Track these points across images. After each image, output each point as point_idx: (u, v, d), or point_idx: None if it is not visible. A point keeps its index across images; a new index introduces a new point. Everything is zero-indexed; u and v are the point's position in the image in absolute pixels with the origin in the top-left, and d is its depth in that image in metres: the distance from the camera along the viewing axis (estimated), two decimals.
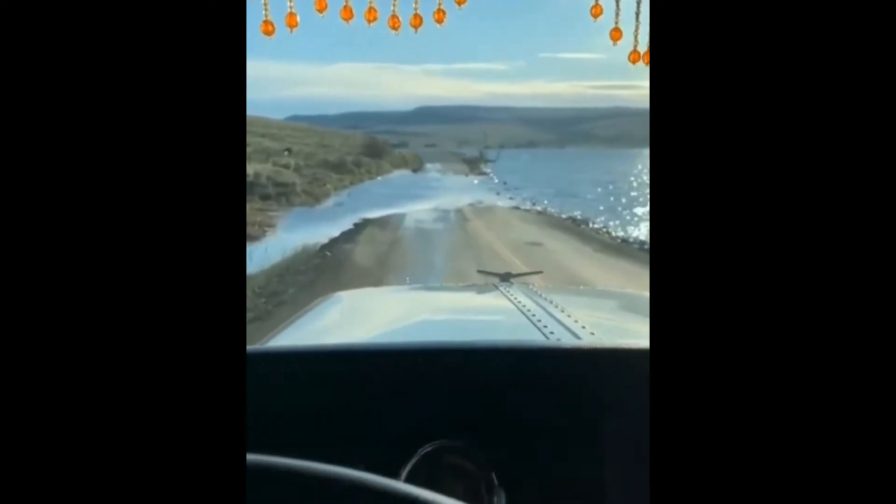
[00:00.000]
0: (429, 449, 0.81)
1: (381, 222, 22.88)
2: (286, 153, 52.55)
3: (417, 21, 0.70)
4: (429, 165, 78.28)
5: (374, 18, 0.69)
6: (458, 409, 0.85)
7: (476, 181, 51.10)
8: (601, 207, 30.43)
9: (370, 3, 0.67)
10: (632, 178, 55.00)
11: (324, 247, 17.07)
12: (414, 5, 0.66)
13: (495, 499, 0.81)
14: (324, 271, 13.27)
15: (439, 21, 0.70)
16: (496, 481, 0.80)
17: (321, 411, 0.88)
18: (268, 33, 0.71)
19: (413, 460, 0.83)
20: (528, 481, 0.83)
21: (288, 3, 0.68)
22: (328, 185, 40.36)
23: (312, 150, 59.28)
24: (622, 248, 17.22)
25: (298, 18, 0.72)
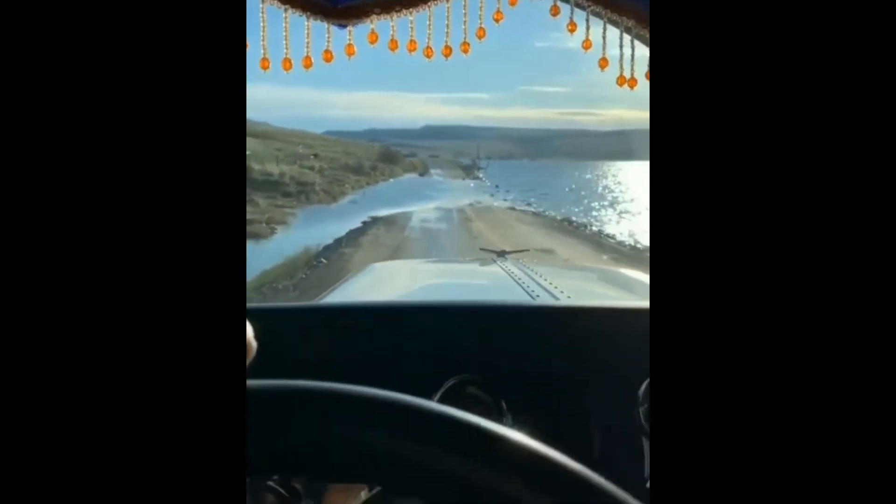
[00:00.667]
0: (453, 382, 0.80)
1: (388, 221, 18.11)
2: (313, 157, 47.98)
3: (448, 51, 0.67)
4: (433, 171, 73.75)
5: (414, 49, 0.67)
6: (463, 355, 0.83)
7: (472, 184, 46.37)
8: (576, 209, 26.38)
9: (411, 36, 0.66)
10: (591, 184, 54.35)
11: (324, 249, 12.26)
12: (445, 39, 0.66)
13: (504, 420, 0.81)
14: (307, 290, 8.47)
15: (465, 52, 0.68)
16: (505, 407, 0.80)
17: (350, 359, 0.85)
18: (268, 67, 0.66)
19: (441, 390, 0.82)
20: (525, 411, 0.82)
21: (326, 40, 0.66)
22: (346, 185, 35.43)
23: (337, 156, 54.23)
24: (629, 251, 12.67)
25: (333, 54, 0.70)
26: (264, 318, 0.83)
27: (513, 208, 24.83)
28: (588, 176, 75.00)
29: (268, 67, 0.66)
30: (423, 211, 21.69)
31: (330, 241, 13.61)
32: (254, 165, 29.21)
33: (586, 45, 0.70)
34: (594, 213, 25.70)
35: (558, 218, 21.79)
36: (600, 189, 46.31)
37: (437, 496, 0.29)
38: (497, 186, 43.57)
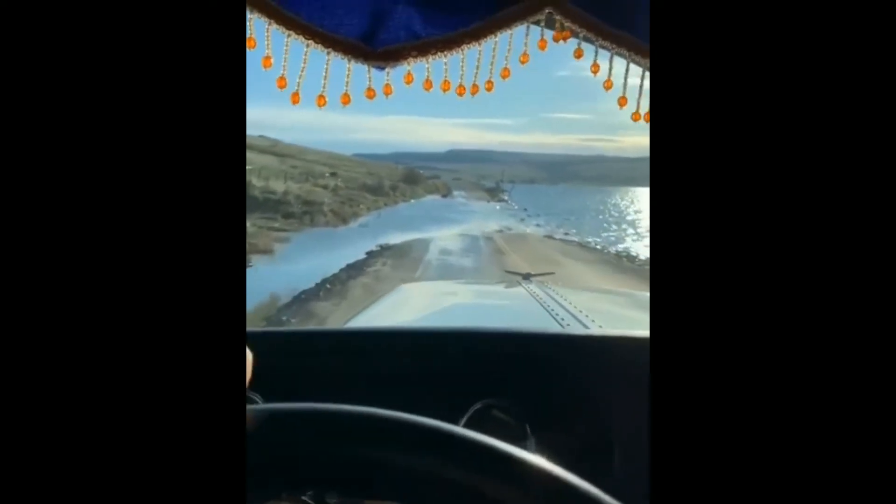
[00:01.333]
0: (479, 406, 0.80)
1: (399, 251, 13.92)
2: (329, 175, 44.32)
3: (476, 89, 0.71)
4: (456, 192, 69.69)
5: (448, 88, 0.70)
6: (489, 380, 0.82)
7: (498, 207, 42.19)
8: (613, 237, 21.99)
9: (444, 76, 0.70)
10: (611, 209, 51.95)
11: (298, 299, 8.09)
12: (474, 77, 0.70)
13: (528, 444, 0.81)
14: None
15: (489, 90, 0.72)
16: (529, 431, 0.80)
17: (378, 383, 0.82)
18: (298, 101, 0.70)
19: (467, 414, 0.82)
20: (550, 436, 0.81)
21: (367, 79, 0.70)
22: (361, 206, 31.45)
23: (358, 176, 50.54)
24: None
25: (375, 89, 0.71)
26: (291, 343, 0.88)
27: (550, 237, 20.57)
28: (614, 201, 71.75)
29: (298, 102, 0.69)
30: (443, 238, 17.62)
31: (312, 283, 9.49)
32: (255, 182, 25.33)
33: (608, 84, 0.71)
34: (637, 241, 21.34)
35: (611, 251, 17.48)
36: (632, 215, 41.95)
37: None
38: (525, 210, 39.47)
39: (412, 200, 47.02)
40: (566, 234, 22.42)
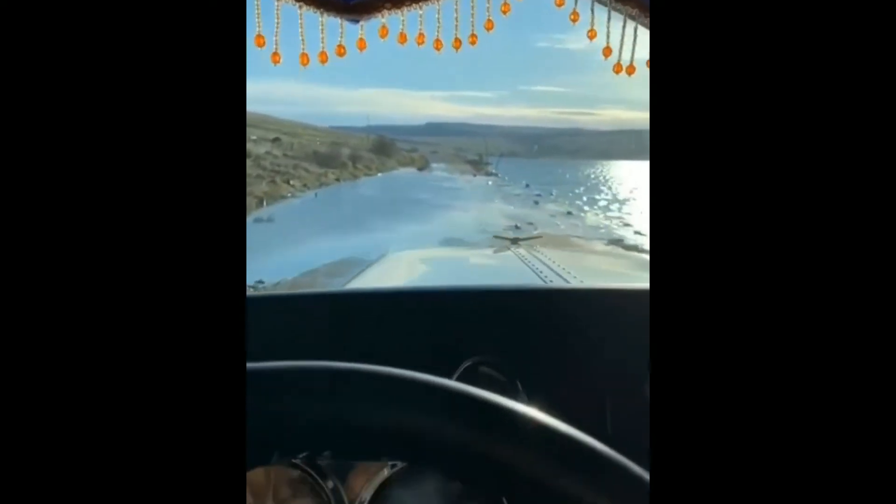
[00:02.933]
0: (469, 363, 0.79)
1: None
2: (270, 141, 33.34)
3: (458, 43, 0.68)
4: (434, 165, 58.16)
5: (423, 42, 0.67)
6: (477, 338, 0.82)
7: (489, 182, 31.28)
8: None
9: (420, 29, 0.66)
10: (610, 183, 44.68)
11: None
12: (455, 32, 0.67)
13: (520, 399, 0.74)
14: None
15: (472, 43, 0.68)
16: (520, 387, 0.79)
17: (366, 343, 0.82)
18: (279, 61, 0.66)
19: (457, 372, 0.81)
20: (541, 391, 0.80)
21: (340, 35, 0.66)
22: (294, 183, 20.31)
23: (309, 144, 39.26)
24: None
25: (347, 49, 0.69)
26: (278, 306, 0.87)
27: (614, 241, 9.82)
28: (592, 172, 63.62)
29: (279, 62, 0.66)
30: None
31: None
32: None
33: (591, 34, 0.68)
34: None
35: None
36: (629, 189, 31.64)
37: (457, 470, 0.30)
38: (527, 186, 28.80)
39: (379, 174, 36.20)
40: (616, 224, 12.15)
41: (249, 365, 0.30)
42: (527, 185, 29.37)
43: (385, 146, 58.33)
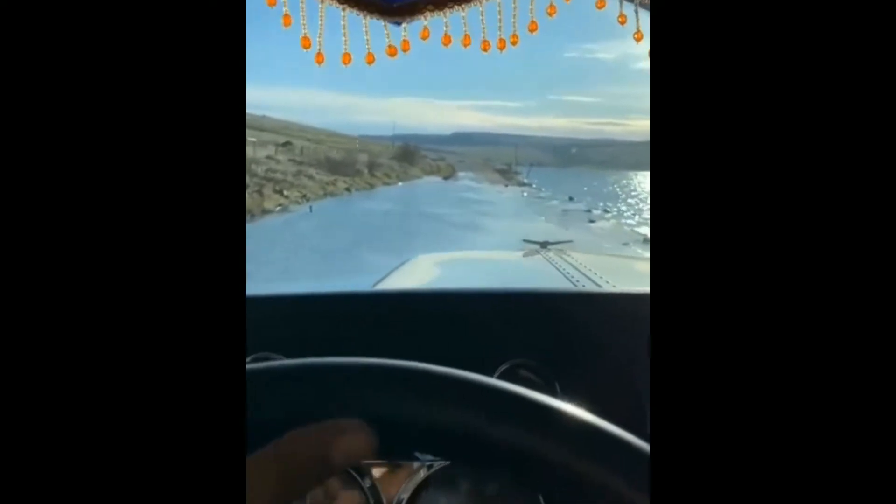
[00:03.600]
0: (506, 366, 0.78)
1: None
2: (281, 147, 29.67)
3: (502, 44, 0.67)
4: (461, 174, 53.75)
5: (469, 43, 0.68)
6: (514, 340, 0.81)
7: (524, 193, 26.98)
8: None
9: (464, 30, 0.67)
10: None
11: None
12: (498, 33, 0.67)
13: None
14: None
15: (514, 43, 0.68)
16: (558, 390, 0.79)
17: (404, 344, 0.82)
18: (322, 62, 0.67)
19: (495, 375, 0.78)
20: (579, 394, 0.78)
21: (386, 37, 0.67)
22: (292, 192, 16.31)
23: (324, 149, 35.53)
24: None
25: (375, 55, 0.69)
26: (317, 305, 0.87)
27: None
28: (629, 183, 58.71)
29: (322, 62, 0.66)
30: None
31: None
32: None
33: (637, 36, 0.66)
34: None
35: None
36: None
37: (500, 468, 0.29)
38: (571, 199, 24.50)
39: (400, 183, 32.21)
40: None
41: (292, 361, 0.30)
42: (571, 199, 25.08)
43: (409, 154, 54.57)
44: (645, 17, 0.65)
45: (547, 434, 0.28)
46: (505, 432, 0.28)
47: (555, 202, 23.11)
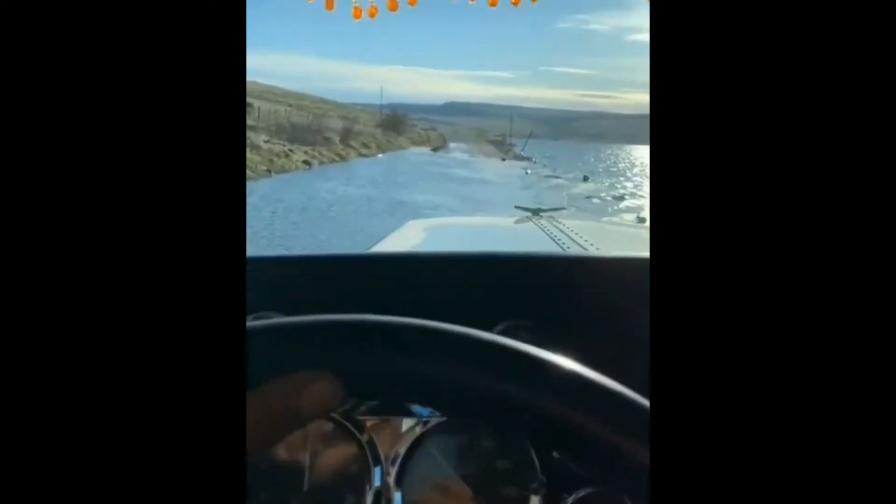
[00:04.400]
0: (501, 327, 0.77)
1: None
2: None
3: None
4: (453, 145, 48.39)
5: None
6: (508, 302, 0.81)
7: (527, 171, 21.87)
8: None
9: None
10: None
11: None
12: None
13: None
14: None
15: (492, 4, 0.66)
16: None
17: (398, 306, 0.68)
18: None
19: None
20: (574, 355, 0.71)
21: None
22: None
23: (292, 113, 30.22)
24: None
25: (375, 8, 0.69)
26: (315, 267, 0.87)
27: None
28: (632, 158, 53.87)
29: (333, 7, 0.66)
30: None
31: None
32: None
33: None
34: None
35: None
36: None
37: (495, 418, 0.30)
38: (586, 178, 19.62)
39: (380, 155, 27.12)
40: None
41: (285, 318, 0.30)
42: (586, 178, 20.13)
43: (396, 122, 49.16)
44: None
45: (540, 386, 0.28)
46: (499, 384, 0.28)
47: (561, 181, 18.21)
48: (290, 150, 17.92)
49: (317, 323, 0.29)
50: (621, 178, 25.02)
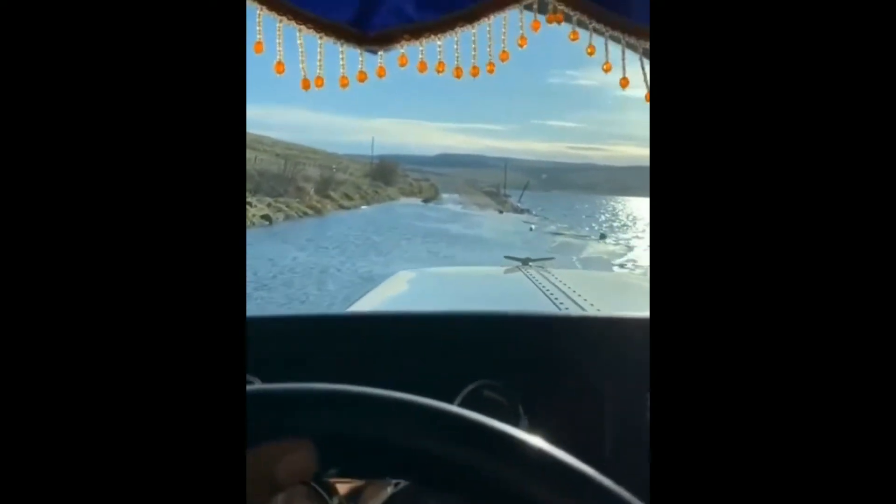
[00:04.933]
0: (472, 386, 0.80)
1: None
2: None
3: (475, 71, 0.68)
4: (445, 195, 45.64)
5: (443, 70, 0.68)
6: (482, 362, 0.83)
7: (532, 226, 18.78)
8: None
9: (439, 58, 0.67)
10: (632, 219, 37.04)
11: None
12: (472, 61, 0.68)
13: (520, 423, 0.81)
14: None
15: (490, 71, 0.68)
16: (522, 411, 0.80)
17: (372, 365, 0.75)
18: (309, 87, 0.68)
19: (461, 395, 0.81)
20: (542, 416, 0.82)
21: (360, 62, 0.67)
22: None
23: (263, 160, 27.27)
24: None
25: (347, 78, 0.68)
26: (286, 328, 0.87)
27: None
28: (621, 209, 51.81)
29: (308, 87, 0.67)
30: None
31: None
32: None
33: (606, 67, 0.68)
34: None
35: None
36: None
37: (459, 492, 0.30)
38: (604, 237, 16.67)
39: (364, 207, 24.18)
40: None
41: (259, 386, 0.31)
42: (603, 236, 17.14)
43: (386, 172, 46.58)
44: (614, 50, 0.65)
45: (502, 460, 0.28)
46: (461, 457, 0.29)
47: (571, 239, 15.21)
48: (250, 203, 14.84)
49: (289, 391, 0.30)
50: (628, 233, 22.14)
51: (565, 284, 1.78)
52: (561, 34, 0.67)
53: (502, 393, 0.78)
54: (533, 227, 18.26)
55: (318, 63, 0.66)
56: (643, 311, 0.74)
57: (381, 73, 0.67)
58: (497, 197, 45.99)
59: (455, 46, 0.67)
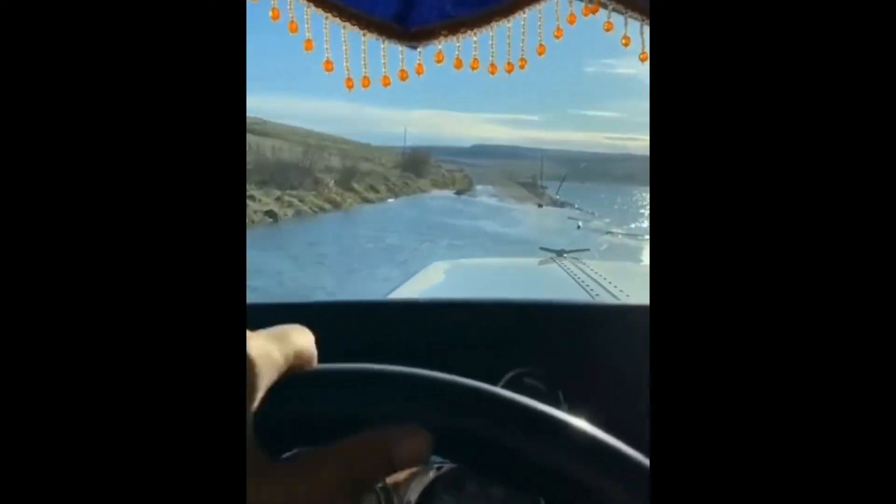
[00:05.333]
0: (512, 374, 0.79)
1: None
2: None
3: (510, 67, 0.70)
4: (479, 187, 43.10)
5: (477, 66, 0.69)
6: (523, 350, 0.83)
7: (579, 223, 16.27)
8: None
9: (474, 54, 0.69)
10: None
11: None
12: (507, 56, 0.69)
13: (561, 409, 0.77)
14: None
15: (522, 67, 0.70)
16: (562, 398, 0.80)
17: (412, 353, 0.69)
18: (353, 86, 0.71)
19: (501, 382, 0.80)
20: (582, 403, 0.75)
21: (400, 61, 0.70)
22: None
23: (282, 149, 25.30)
24: None
25: (396, 75, 0.71)
26: (322, 314, 0.88)
27: None
28: None
29: (353, 87, 0.69)
30: None
31: None
32: None
33: (643, 56, 0.67)
34: None
35: None
36: None
37: (502, 474, 0.31)
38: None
39: (391, 199, 22.02)
40: None
41: (318, 367, 0.31)
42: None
43: (418, 163, 44.45)
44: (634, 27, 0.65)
45: (547, 441, 0.28)
46: (508, 439, 0.28)
47: (626, 238, 12.73)
48: (253, 196, 12.77)
49: (339, 372, 0.30)
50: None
51: (601, 276, 1.83)
52: (597, 23, 0.67)
53: (542, 380, 0.78)
54: (580, 224, 15.78)
55: (361, 61, 0.68)
56: None
57: (419, 71, 0.69)
58: (534, 188, 43.41)
59: (490, 41, 0.68)
